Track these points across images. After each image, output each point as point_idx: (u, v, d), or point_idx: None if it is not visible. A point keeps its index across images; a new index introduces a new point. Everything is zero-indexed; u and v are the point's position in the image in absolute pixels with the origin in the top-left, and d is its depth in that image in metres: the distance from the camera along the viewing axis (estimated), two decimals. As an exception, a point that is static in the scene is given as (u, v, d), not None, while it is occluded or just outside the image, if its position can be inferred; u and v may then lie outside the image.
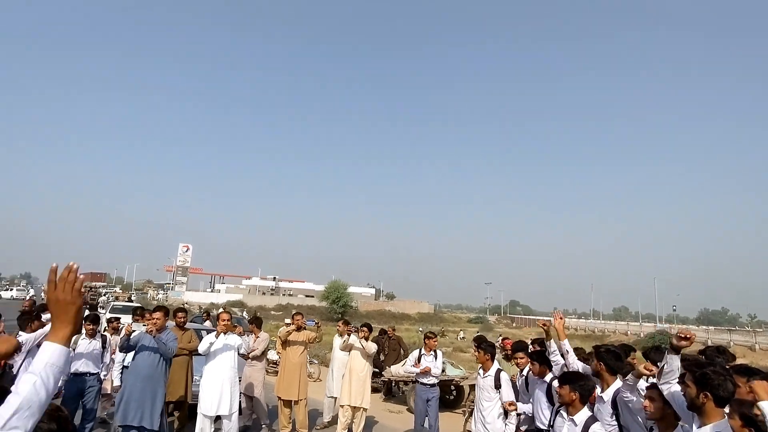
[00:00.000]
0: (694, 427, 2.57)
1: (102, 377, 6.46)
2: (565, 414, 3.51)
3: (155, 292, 73.26)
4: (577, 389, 3.40)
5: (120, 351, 6.13)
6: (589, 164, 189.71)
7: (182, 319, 6.93)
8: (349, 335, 7.40)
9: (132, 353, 5.87)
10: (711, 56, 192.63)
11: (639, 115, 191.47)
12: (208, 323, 14.50)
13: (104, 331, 7.97)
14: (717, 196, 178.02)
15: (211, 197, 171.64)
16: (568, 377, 3.56)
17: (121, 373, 6.70)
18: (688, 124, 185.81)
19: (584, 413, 3.40)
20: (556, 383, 3.95)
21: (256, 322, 8.37)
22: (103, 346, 6.43)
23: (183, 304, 47.78)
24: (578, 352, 4.82)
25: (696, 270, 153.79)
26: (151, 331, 5.56)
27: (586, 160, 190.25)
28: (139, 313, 7.11)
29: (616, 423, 3.50)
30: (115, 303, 24.93)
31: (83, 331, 6.24)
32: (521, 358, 5.39)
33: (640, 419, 3.35)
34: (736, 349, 27.28)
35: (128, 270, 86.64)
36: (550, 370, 4.60)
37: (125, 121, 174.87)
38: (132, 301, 32.60)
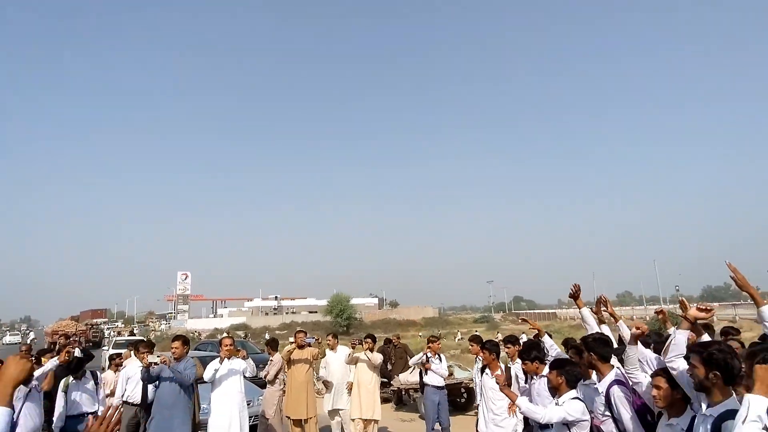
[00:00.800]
0: (703, 407, 2.57)
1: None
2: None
3: (157, 323, 72.62)
4: (564, 374, 3.61)
5: (144, 383, 6.39)
6: (580, 152, 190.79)
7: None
8: (345, 347, 7.35)
9: (131, 386, 6.47)
10: (717, 35, 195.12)
11: (628, 97, 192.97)
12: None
13: (108, 368, 7.93)
14: (711, 170, 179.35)
15: (204, 222, 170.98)
16: (556, 363, 3.77)
17: (122, 408, 6.61)
18: (679, 103, 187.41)
19: (569, 395, 3.58)
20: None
21: (271, 344, 8.34)
22: (96, 383, 6.38)
23: (194, 332, 47.47)
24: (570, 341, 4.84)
25: (695, 247, 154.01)
26: (165, 361, 5.85)
27: (577, 148, 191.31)
28: (137, 348, 7.01)
29: (609, 415, 3.42)
30: (118, 338, 24.73)
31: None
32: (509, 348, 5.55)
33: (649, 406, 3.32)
34: (742, 323, 27.27)
35: (129, 303, 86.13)
36: (544, 365, 4.59)
37: (112, 151, 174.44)
38: (134, 335, 32.35)
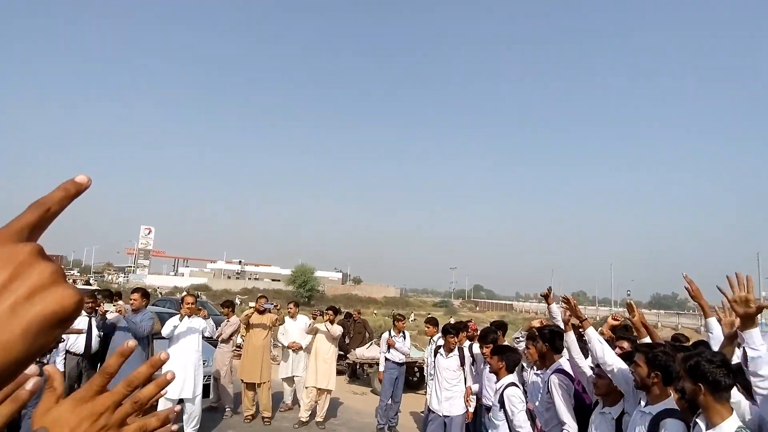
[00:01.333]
0: (641, 404, 2.74)
1: (45, 362, 6.29)
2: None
3: (115, 275, 71.03)
4: (504, 359, 3.96)
5: (99, 331, 6.40)
6: (549, 154, 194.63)
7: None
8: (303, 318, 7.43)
9: (75, 336, 6.31)
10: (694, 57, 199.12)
11: (600, 108, 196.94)
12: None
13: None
14: (670, 186, 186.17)
15: (175, 178, 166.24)
16: (498, 349, 4.16)
17: (65, 359, 6.49)
18: (642, 116, 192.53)
19: (507, 379, 3.91)
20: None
21: (229, 306, 8.32)
22: None
23: (154, 288, 46.66)
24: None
25: (649, 256, 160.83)
26: (121, 311, 5.86)
27: (547, 149, 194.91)
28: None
29: (553, 402, 3.57)
30: (72, 286, 24.03)
31: None
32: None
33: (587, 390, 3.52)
34: (684, 332, 28.74)
35: (87, 253, 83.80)
36: None
37: (79, 97, 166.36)
38: (90, 285, 31.59)
